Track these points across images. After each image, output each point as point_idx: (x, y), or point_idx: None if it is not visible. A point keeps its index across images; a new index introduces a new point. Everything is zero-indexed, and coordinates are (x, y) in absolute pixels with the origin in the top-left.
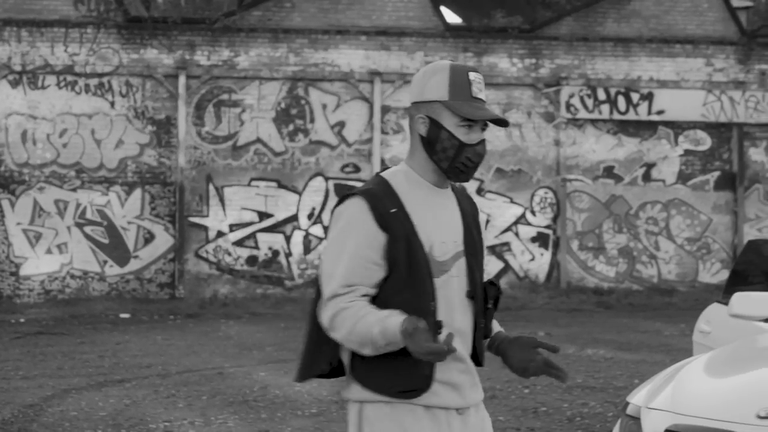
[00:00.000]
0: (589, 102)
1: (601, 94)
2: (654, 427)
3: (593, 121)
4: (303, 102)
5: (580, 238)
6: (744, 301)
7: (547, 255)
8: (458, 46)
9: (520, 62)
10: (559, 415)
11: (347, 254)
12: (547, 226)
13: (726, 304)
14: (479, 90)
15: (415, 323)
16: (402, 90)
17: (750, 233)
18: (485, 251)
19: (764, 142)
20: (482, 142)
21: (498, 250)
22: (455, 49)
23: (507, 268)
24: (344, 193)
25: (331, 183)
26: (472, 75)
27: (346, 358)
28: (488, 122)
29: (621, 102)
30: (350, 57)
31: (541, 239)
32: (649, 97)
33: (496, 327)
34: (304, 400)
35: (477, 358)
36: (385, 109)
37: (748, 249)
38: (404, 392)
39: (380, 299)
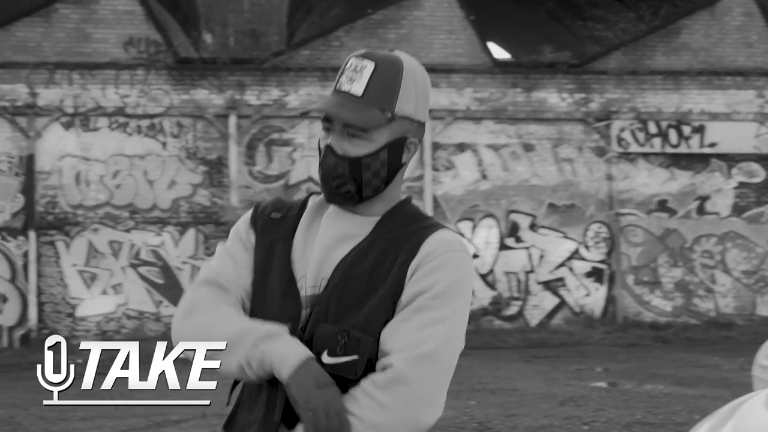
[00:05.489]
0: (640, 135)
1: (652, 128)
2: None
3: (645, 155)
4: None
5: (635, 273)
6: None
7: (603, 290)
8: (507, 81)
9: (570, 97)
10: None
11: None
12: (602, 261)
13: None
14: (349, 80)
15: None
16: (452, 126)
17: None
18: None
19: None
20: (327, 150)
21: (553, 286)
22: (504, 85)
23: (562, 303)
24: None
25: None
26: (352, 61)
27: None
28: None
29: (672, 135)
30: None
31: (595, 274)
32: (700, 130)
33: None
34: None
35: None
36: (436, 146)
37: None
38: None
39: None
